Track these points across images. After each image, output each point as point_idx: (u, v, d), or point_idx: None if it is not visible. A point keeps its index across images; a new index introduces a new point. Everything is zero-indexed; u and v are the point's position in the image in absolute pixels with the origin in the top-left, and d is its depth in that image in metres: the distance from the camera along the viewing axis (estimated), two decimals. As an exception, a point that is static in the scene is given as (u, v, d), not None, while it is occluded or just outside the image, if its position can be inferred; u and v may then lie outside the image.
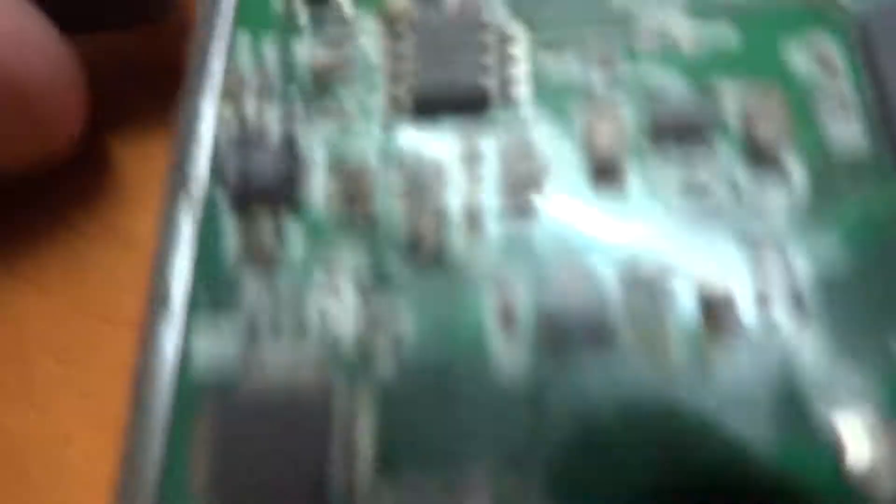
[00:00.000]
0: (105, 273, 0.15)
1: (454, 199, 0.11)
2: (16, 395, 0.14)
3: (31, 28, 0.13)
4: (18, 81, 0.13)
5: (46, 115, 0.14)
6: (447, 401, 0.10)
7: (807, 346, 0.10)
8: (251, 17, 0.13)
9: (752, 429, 0.10)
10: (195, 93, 0.13)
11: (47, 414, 0.14)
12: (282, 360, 0.11)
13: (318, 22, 0.13)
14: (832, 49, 0.12)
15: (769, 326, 0.10)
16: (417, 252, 0.11)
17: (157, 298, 0.11)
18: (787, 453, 0.10)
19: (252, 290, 0.11)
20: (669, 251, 0.11)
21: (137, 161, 0.16)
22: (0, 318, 0.15)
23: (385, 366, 0.10)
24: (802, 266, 0.10)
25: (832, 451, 0.10)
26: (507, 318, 0.10)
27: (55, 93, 0.14)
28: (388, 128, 0.12)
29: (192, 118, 0.12)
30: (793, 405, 0.10)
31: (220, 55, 0.13)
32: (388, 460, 0.10)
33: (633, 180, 0.11)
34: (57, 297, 0.15)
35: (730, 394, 0.10)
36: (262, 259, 0.11)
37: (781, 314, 0.10)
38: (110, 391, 0.14)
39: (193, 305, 0.11)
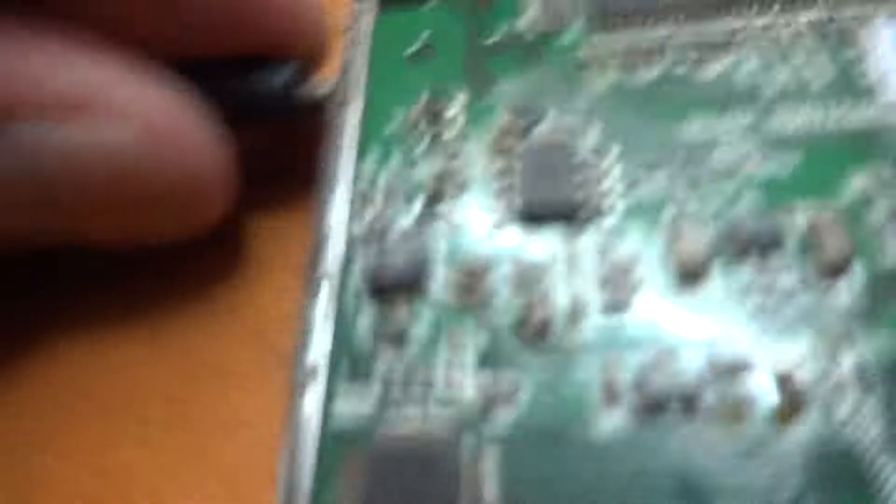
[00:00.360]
0: (216, 333, 0.17)
1: (558, 292, 0.13)
2: (130, 433, 0.16)
3: (194, 121, 0.15)
4: (181, 166, 0.15)
5: (200, 198, 0.16)
6: (558, 459, 0.12)
7: (870, 417, 0.12)
8: (377, 131, 0.16)
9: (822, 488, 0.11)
10: (328, 195, 0.15)
11: (157, 451, 0.15)
12: (412, 419, 0.12)
13: (435, 138, 0.15)
14: (887, 171, 0.14)
15: (837, 400, 0.12)
16: (528, 335, 0.13)
17: (303, 370, 0.13)
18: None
19: (385, 362, 0.13)
20: (748, 340, 0.12)
21: (260, 241, 0.18)
22: (117, 367, 0.16)
23: (503, 427, 0.12)
24: (864, 351, 0.12)
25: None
26: (610, 393, 0.12)
27: (210, 178, 0.16)
28: (497, 232, 0.14)
29: (326, 217, 0.15)
30: (857, 474, 0.11)
31: (348, 163, 0.15)
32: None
33: (714, 282, 0.13)
34: (169, 349, 0.17)
35: (801, 461, 0.11)
36: (394, 336, 0.13)
37: (848, 389, 0.12)
38: (214, 434, 0.15)
39: (334, 375, 0.13)
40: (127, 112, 0.15)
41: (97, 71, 0.15)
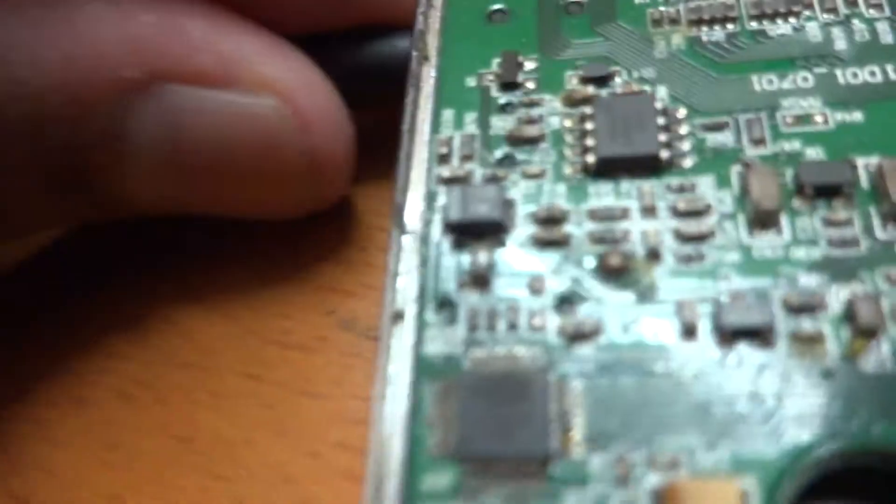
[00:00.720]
0: (279, 305, 0.18)
1: (636, 235, 0.14)
2: (207, 405, 0.17)
3: (329, 98, 0.17)
4: (315, 142, 0.16)
5: (329, 174, 0.17)
6: (640, 388, 0.13)
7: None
8: (456, 87, 0.16)
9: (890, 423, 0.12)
10: (410, 147, 0.16)
11: (235, 421, 0.16)
12: (499, 352, 0.13)
13: (509, 101, 0.16)
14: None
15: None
16: (607, 272, 0.14)
17: (393, 313, 0.14)
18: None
19: (471, 300, 0.14)
20: (820, 274, 0.13)
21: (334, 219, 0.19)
22: (193, 342, 0.17)
23: (586, 354, 0.13)
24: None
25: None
26: (688, 328, 0.13)
27: (339, 156, 0.17)
28: (575, 184, 0.15)
29: (409, 167, 0.15)
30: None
31: (428, 117, 0.16)
32: (598, 430, 0.12)
33: (785, 225, 0.14)
34: (240, 325, 0.18)
35: (870, 392, 0.12)
36: (478, 277, 0.14)
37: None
38: (285, 402, 0.16)
39: (422, 313, 0.14)
40: (272, 86, 0.16)
41: (248, 44, 0.16)
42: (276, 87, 0.16)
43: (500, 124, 0.16)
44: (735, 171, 0.14)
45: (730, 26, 0.16)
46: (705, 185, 0.14)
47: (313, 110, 0.16)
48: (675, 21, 0.17)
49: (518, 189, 0.15)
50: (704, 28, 0.17)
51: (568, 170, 0.15)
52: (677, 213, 0.14)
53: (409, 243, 0.15)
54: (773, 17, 0.16)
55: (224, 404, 0.17)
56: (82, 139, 0.15)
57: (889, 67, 0.15)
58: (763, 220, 0.14)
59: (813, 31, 0.16)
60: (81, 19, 0.15)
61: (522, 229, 0.14)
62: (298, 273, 0.18)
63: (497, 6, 0.18)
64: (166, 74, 0.15)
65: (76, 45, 0.15)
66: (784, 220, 0.14)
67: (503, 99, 0.16)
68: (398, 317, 0.14)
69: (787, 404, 0.12)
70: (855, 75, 0.15)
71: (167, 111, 0.15)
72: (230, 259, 0.18)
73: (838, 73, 0.15)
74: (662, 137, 0.15)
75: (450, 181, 0.15)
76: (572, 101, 0.16)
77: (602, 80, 0.16)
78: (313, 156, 0.16)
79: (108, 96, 0.15)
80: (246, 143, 0.16)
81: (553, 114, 0.16)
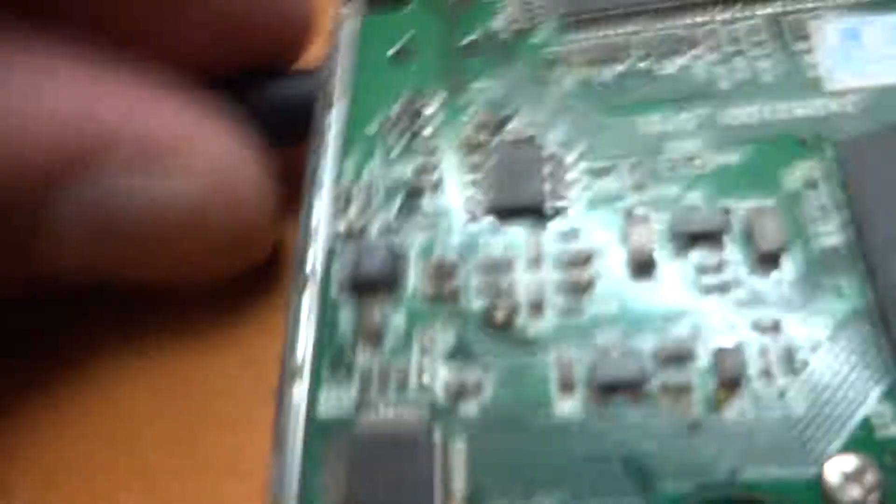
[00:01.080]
0: (221, 378, 0.18)
1: (522, 285, 0.15)
2: (134, 481, 0.16)
3: (254, 169, 0.17)
4: (238, 216, 0.17)
5: (252, 243, 0.17)
6: (520, 441, 0.13)
7: (795, 394, 0.13)
8: (360, 131, 0.17)
9: (756, 461, 0.13)
10: (313, 195, 0.16)
11: (161, 498, 0.16)
12: (389, 412, 0.14)
13: (408, 148, 0.17)
14: (817, 171, 0.15)
15: (768, 378, 0.13)
16: (493, 328, 0.14)
17: (289, 368, 0.14)
18: (782, 483, 0.12)
19: (363, 358, 0.14)
20: (692, 324, 0.14)
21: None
22: (125, 413, 0.17)
23: (470, 413, 0.14)
24: (793, 331, 0.13)
25: (818, 485, 0.12)
26: (566, 380, 0.14)
27: (262, 225, 0.17)
28: (466, 230, 0.15)
29: (310, 217, 0.16)
30: (787, 444, 0.13)
31: (332, 164, 0.16)
32: (478, 488, 0.13)
33: (664, 272, 0.14)
34: (165, 397, 0.17)
35: (738, 432, 0.13)
36: (371, 333, 0.15)
37: (777, 369, 0.13)
38: (217, 480, 0.16)
39: (317, 372, 0.14)
40: (197, 164, 0.16)
41: (166, 119, 0.16)
42: (201, 166, 0.16)
43: (402, 169, 0.16)
44: (620, 215, 0.15)
45: (624, 63, 0.17)
46: (591, 231, 0.15)
47: (238, 187, 0.16)
48: (572, 58, 0.17)
49: (415, 238, 0.15)
50: (600, 65, 0.17)
51: (462, 216, 0.16)
52: (561, 264, 0.15)
53: (306, 299, 0.15)
54: (668, 53, 0.17)
55: (149, 480, 0.17)
56: (5, 212, 0.15)
57: (774, 101, 0.16)
58: (641, 265, 0.14)
59: (705, 65, 0.16)
60: (8, 93, 0.15)
61: (415, 282, 0.15)
62: (223, 340, 0.18)
63: (404, 44, 0.18)
64: (85, 164, 0.15)
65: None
66: (663, 267, 0.14)
67: (406, 142, 0.17)
68: (294, 375, 0.14)
69: (661, 455, 0.13)
70: (742, 111, 0.16)
71: (90, 196, 0.15)
72: (154, 325, 0.18)
73: (726, 109, 0.16)
74: (548, 186, 0.15)
75: (348, 231, 0.16)
76: (471, 144, 0.16)
77: (497, 126, 0.16)
78: (238, 229, 0.17)
79: (29, 181, 0.15)
80: (170, 222, 0.16)
81: (452, 156, 0.16)
